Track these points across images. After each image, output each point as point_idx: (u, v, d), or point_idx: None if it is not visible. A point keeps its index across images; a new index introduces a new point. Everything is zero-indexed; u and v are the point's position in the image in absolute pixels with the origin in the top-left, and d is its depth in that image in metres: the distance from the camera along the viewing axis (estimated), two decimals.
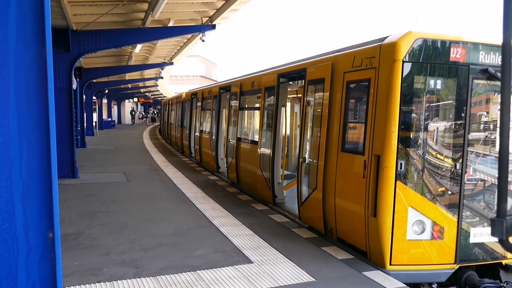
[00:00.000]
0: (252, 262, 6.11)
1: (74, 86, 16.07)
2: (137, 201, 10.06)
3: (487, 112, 6.28)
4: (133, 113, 62.10)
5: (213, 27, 14.93)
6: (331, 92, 7.24)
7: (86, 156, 18.68)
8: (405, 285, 5.47)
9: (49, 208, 1.90)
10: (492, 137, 6.15)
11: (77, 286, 5.19)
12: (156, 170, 15.23)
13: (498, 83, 5.97)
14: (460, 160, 5.99)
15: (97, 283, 5.30)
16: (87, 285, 5.25)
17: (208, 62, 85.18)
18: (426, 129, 5.99)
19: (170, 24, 14.93)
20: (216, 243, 6.92)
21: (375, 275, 5.68)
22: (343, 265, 6.01)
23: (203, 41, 15.57)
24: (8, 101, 1.82)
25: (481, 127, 6.17)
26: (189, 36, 17.53)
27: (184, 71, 68.90)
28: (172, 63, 25.44)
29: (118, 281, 5.38)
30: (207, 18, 14.81)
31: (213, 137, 14.95)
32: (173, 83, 65.87)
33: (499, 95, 6.25)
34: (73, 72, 13.89)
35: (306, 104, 8.17)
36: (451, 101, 6.06)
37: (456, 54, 5.89)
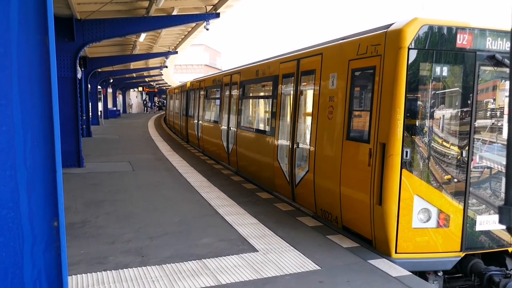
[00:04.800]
0: (257, 251, 6.12)
1: (79, 76, 16.10)
2: (142, 190, 10.09)
3: (494, 99, 6.21)
4: (145, 102, 68.20)
5: (217, 15, 14.82)
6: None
7: (91, 146, 18.75)
8: (410, 273, 5.48)
9: (53, 197, 1.90)
10: (499, 124, 6.11)
11: (83, 275, 5.23)
12: (161, 159, 15.26)
13: (505, 69, 5.94)
14: (466, 148, 5.96)
15: (103, 272, 5.34)
16: (93, 273, 5.28)
17: (212, 51, 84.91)
18: (432, 116, 5.94)
19: (174, 13, 14.86)
20: (221, 232, 6.94)
21: (380, 263, 5.68)
22: (348, 254, 6.01)
23: (207, 29, 15.48)
24: (11, 90, 1.81)
25: (488, 114, 6.11)
26: (193, 24, 17.44)
27: (188, 60, 68.85)
28: (176, 52, 25.35)
29: (124, 269, 5.41)
30: (211, 6, 14.71)
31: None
32: (177, 72, 65.91)
33: (507, 81, 6.23)
34: (77, 61, 13.86)
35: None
36: (458, 88, 6.00)
37: (462, 41, 5.83)
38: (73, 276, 5.17)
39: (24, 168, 1.85)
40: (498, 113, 6.12)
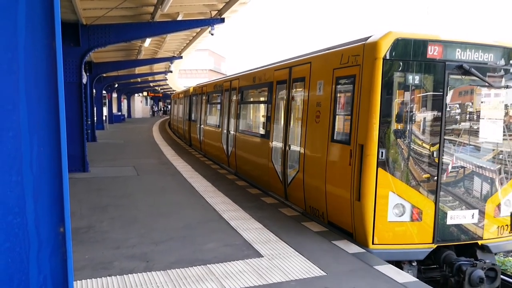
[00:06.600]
0: (262, 256, 6.10)
1: (84, 81, 16.15)
2: (147, 194, 10.09)
3: (463, 104, 6.72)
4: (153, 107, 74.05)
5: (222, 20, 14.87)
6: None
7: (96, 150, 18.79)
8: (417, 279, 5.50)
9: (59, 203, 1.89)
10: (466, 127, 6.63)
11: (88, 280, 5.22)
12: (166, 163, 15.27)
13: (473, 77, 6.55)
14: (437, 147, 6.49)
15: (108, 277, 5.32)
16: (98, 278, 5.27)
17: (217, 56, 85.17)
18: (405, 120, 6.44)
19: (179, 18, 14.89)
20: (226, 237, 6.92)
21: (386, 269, 5.65)
22: (354, 259, 5.98)
23: (212, 34, 15.53)
24: (18, 95, 1.81)
25: (456, 118, 6.65)
26: (198, 29, 17.46)
27: (193, 65, 69.08)
28: (181, 57, 25.40)
29: (129, 274, 5.40)
30: (216, 11, 14.74)
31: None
32: (182, 77, 66.21)
33: (482, 87, 6.69)
34: (83, 66, 13.90)
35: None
36: (429, 95, 6.53)
37: (433, 52, 6.39)
38: (78, 281, 5.16)
39: (31, 174, 1.84)
40: (467, 117, 6.68)
